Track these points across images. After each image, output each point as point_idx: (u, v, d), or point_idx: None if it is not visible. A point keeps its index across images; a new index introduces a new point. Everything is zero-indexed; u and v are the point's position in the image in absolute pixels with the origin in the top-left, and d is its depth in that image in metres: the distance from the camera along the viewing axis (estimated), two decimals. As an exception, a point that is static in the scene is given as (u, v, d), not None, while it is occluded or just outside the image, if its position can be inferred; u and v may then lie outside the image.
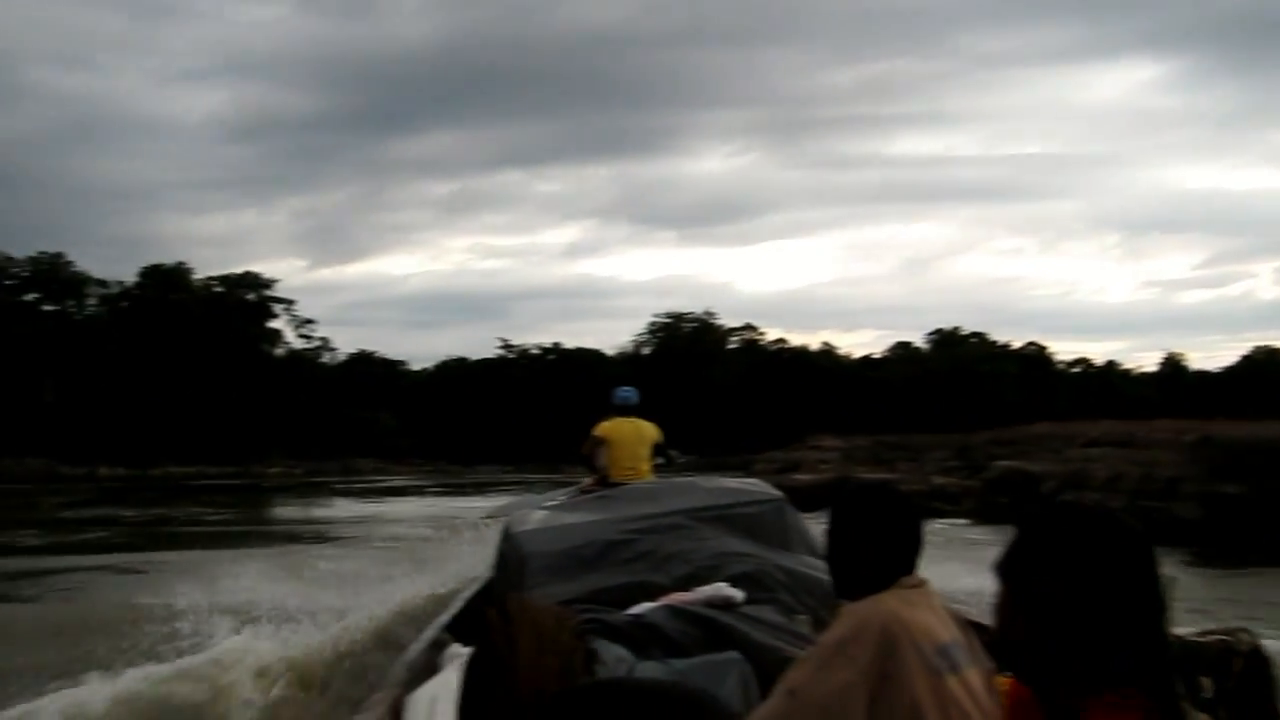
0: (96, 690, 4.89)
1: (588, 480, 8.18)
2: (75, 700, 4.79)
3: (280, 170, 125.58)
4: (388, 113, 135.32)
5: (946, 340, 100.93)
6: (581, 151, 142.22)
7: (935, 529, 14.87)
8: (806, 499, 6.14)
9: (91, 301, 69.91)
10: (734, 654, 3.19)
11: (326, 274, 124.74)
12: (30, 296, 69.23)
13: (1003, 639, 1.48)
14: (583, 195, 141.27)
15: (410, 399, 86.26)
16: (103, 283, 69.61)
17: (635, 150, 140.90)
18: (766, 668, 3.05)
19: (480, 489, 32.14)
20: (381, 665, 4.68)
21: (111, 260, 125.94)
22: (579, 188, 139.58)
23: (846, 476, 21.72)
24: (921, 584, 2.07)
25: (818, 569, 3.90)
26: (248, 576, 8.00)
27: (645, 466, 7.91)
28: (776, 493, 5.00)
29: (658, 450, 8.14)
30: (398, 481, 41.32)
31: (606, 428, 8.06)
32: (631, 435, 7.97)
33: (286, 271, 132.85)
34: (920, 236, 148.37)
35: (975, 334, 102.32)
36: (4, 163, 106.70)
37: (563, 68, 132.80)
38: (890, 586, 2.03)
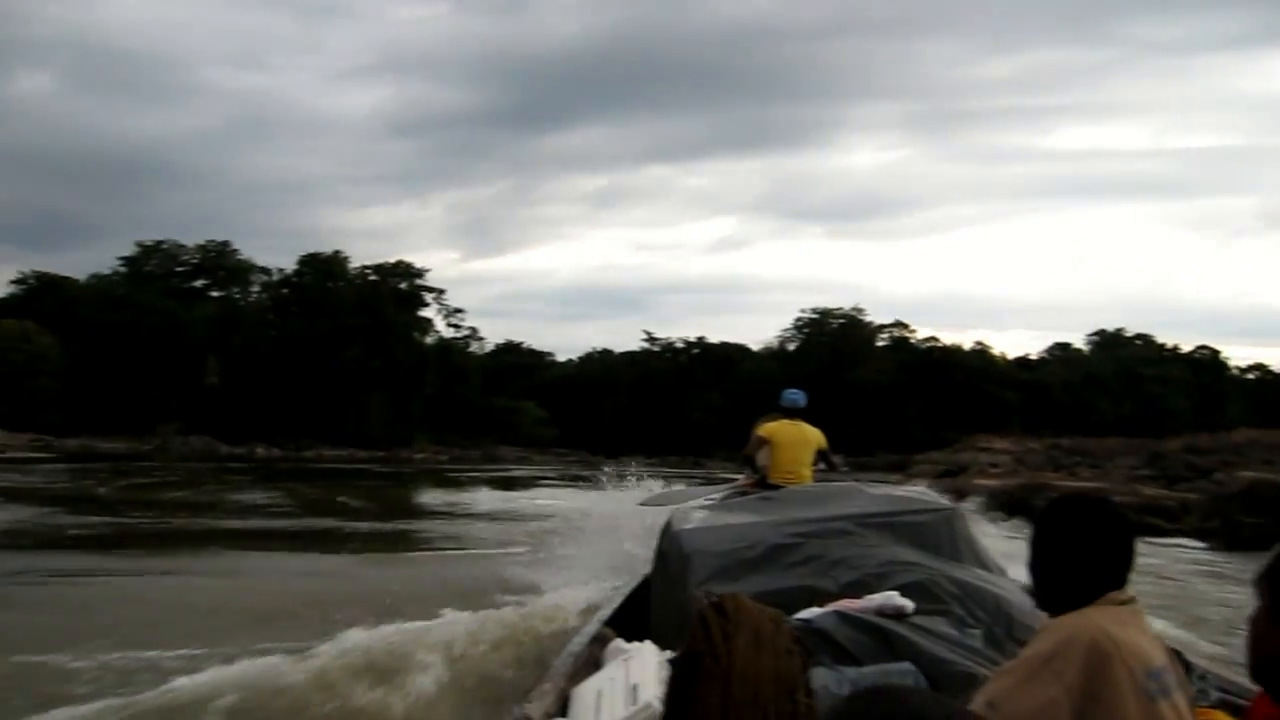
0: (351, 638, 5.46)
1: (744, 479, 8.14)
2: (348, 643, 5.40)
3: (437, 165, 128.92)
4: (540, 108, 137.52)
5: (1109, 342, 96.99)
6: (730, 146, 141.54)
7: (1167, 554, 13.83)
8: (998, 503, 5.55)
9: (254, 288, 72.68)
10: (908, 665, 3.11)
11: (478, 266, 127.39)
12: (199, 283, 72.48)
13: (1265, 656, 1.42)
14: (730, 190, 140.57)
15: (554, 390, 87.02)
16: (265, 270, 72.39)
17: (784, 144, 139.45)
18: (939, 681, 3.02)
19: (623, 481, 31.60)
20: (543, 655, 4.73)
21: (275, 251, 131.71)
22: (726, 182, 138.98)
23: (1042, 483, 20.03)
24: (1131, 600, 1.99)
25: (990, 582, 3.92)
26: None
27: (807, 471, 7.74)
28: (946, 502, 4.91)
29: (820, 456, 7.98)
30: (547, 471, 41.23)
31: (771, 428, 7.90)
32: (795, 438, 7.82)
33: (440, 263, 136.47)
34: (1079, 233, 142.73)
35: (1140, 335, 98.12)
36: (180, 158, 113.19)
37: (713, 61, 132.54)
38: (1097, 601, 1.95)
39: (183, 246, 72.39)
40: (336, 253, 71.66)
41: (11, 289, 67.41)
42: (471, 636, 5.65)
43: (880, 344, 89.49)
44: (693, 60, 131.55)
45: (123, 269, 70.93)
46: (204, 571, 11.15)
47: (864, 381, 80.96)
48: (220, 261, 72.14)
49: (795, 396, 8.09)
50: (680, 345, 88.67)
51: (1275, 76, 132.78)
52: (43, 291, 65.49)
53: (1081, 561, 2.02)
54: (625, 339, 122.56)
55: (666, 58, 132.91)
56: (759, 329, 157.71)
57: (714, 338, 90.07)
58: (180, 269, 72.69)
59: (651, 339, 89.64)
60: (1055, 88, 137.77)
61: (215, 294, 71.55)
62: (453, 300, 76.19)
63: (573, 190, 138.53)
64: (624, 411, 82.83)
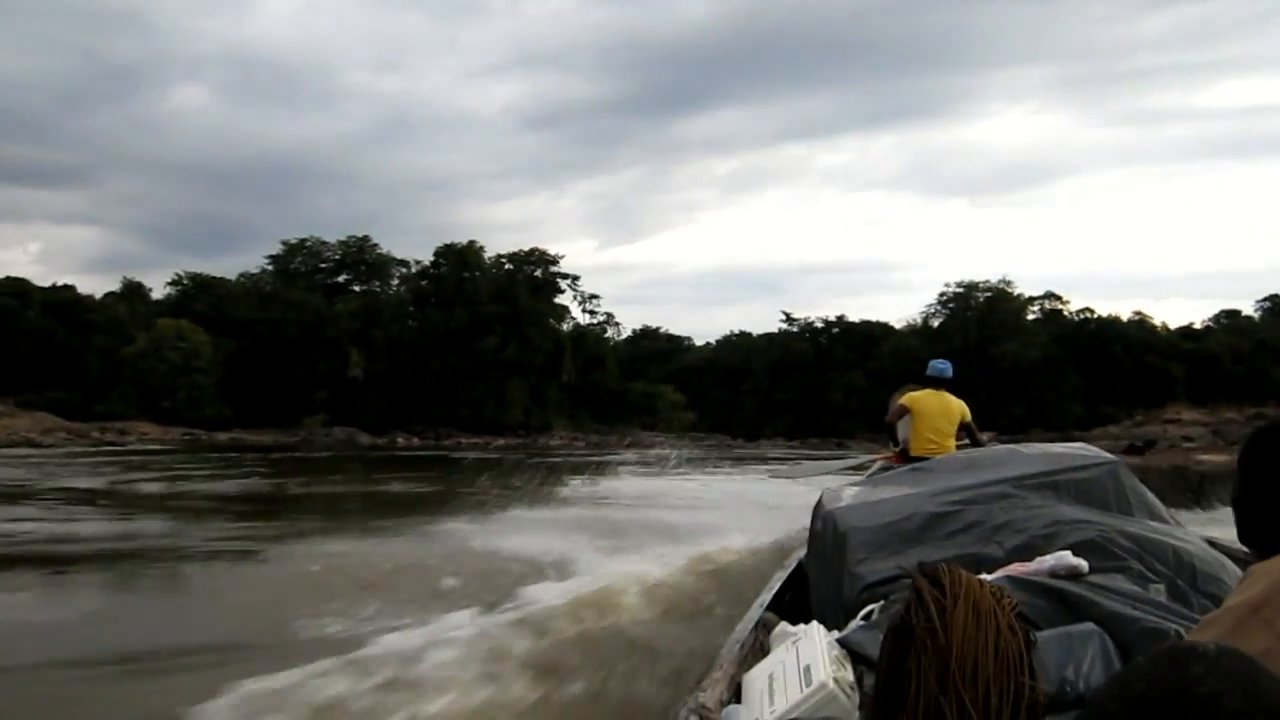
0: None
1: (887, 454, 7.95)
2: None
3: (572, 155, 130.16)
4: (672, 93, 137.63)
5: None
6: (867, 120, 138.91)
7: None
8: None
9: (395, 281, 73.94)
10: (1090, 625, 2.90)
11: (615, 254, 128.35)
12: (342, 278, 74.23)
13: None
14: (868, 166, 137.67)
15: (692, 374, 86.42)
16: (404, 263, 73.51)
17: (924, 116, 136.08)
18: (1127, 640, 2.86)
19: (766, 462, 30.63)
20: (707, 641, 4.71)
21: (420, 248, 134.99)
22: (864, 158, 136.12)
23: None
24: None
25: (1166, 534, 3.72)
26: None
27: (950, 443, 7.50)
28: (1109, 455, 4.62)
29: (964, 429, 7.75)
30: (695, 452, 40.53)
31: (913, 397, 7.69)
32: (938, 408, 7.59)
33: (578, 252, 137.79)
34: (1242, 195, 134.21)
35: None
36: (328, 161, 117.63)
37: (847, 34, 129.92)
38: None
39: (325, 243, 74.34)
40: (471, 243, 72.26)
41: (169, 290, 70.43)
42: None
43: (1031, 317, 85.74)
44: (826, 34, 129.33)
45: (270, 267, 73.28)
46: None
47: (1014, 357, 77.66)
48: (361, 256, 73.71)
49: (943, 366, 7.83)
50: (819, 325, 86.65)
51: None
52: (197, 292, 68.08)
53: None
54: (763, 321, 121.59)
55: (798, 33, 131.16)
56: (901, 308, 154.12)
57: (854, 317, 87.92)
58: (324, 265, 74.67)
59: (789, 319, 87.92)
60: (1212, 42, 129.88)
61: (357, 288, 73.16)
62: (590, 289, 76.29)
63: (707, 173, 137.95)
64: (763, 394, 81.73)
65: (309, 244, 74.22)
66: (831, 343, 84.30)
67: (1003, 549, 3.78)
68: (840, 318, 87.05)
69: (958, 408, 7.69)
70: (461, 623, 5.45)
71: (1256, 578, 1.78)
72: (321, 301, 67.48)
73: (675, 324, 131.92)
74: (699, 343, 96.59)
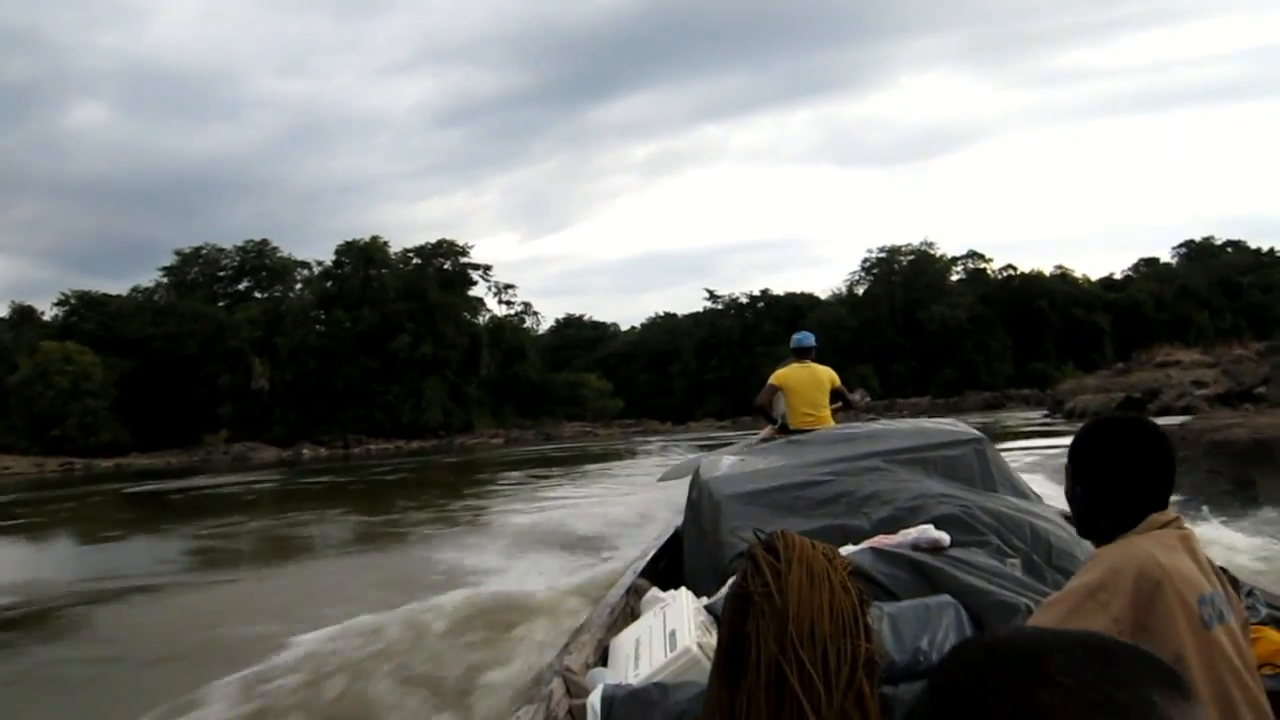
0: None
1: (766, 430, 7.90)
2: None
3: (487, 150, 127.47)
4: (585, 81, 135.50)
5: (1198, 252, 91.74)
6: (780, 98, 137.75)
7: None
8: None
9: (298, 285, 70.23)
10: (947, 597, 3.03)
11: (538, 246, 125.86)
12: (243, 286, 70.46)
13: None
14: (784, 142, 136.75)
15: (619, 360, 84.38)
16: (305, 264, 69.84)
17: (836, 89, 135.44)
18: (982, 611, 3.00)
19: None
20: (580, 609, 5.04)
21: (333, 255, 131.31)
22: (780, 135, 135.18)
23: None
24: (1175, 520, 1.94)
25: (1025, 510, 3.83)
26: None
27: (826, 413, 7.59)
28: (976, 432, 4.72)
29: (836, 396, 7.76)
30: (595, 446, 37.79)
31: (782, 374, 7.75)
32: (808, 381, 7.66)
33: (501, 247, 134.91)
34: (1152, 147, 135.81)
35: (1231, 243, 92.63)
36: (238, 172, 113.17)
37: (756, 11, 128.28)
38: (1140, 525, 1.93)
39: (223, 250, 70.38)
40: (375, 238, 68.84)
41: (55, 312, 66.06)
42: None
43: (955, 278, 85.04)
44: (735, 12, 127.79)
45: (165, 280, 69.18)
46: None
47: (942, 319, 76.79)
48: (261, 262, 69.82)
49: (803, 338, 7.98)
50: (744, 300, 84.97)
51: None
52: (85, 311, 64.02)
53: (1121, 484, 1.97)
54: (691, 304, 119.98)
55: (707, 13, 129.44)
56: (827, 279, 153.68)
57: (779, 291, 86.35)
58: (222, 273, 70.78)
59: (713, 297, 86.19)
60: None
61: (260, 295, 69.34)
62: (516, 283, 73.60)
63: (625, 159, 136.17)
64: (692, 375, 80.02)
65: (205, 252, 70.20)
66: (758, 317, 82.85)
67: (869, 521, 3.87)
68: (765, 292, 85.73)
69: (826, 376, 7.71)
70: None
71: (1096, 563, 1.91)
72: (220, 312, 63.81)
73: (602, 312, 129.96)
74: (625, 328, 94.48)
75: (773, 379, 7.78)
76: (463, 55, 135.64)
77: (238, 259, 70.21)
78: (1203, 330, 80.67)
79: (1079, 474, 2.03)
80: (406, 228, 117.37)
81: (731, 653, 1.36)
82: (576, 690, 2.91)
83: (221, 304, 66.98)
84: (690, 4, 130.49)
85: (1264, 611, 3.02)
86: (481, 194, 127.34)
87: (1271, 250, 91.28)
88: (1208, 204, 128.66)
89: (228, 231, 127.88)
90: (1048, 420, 28.71)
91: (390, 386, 62.39)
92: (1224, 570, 2.04)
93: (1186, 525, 1.96)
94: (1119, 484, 1.97)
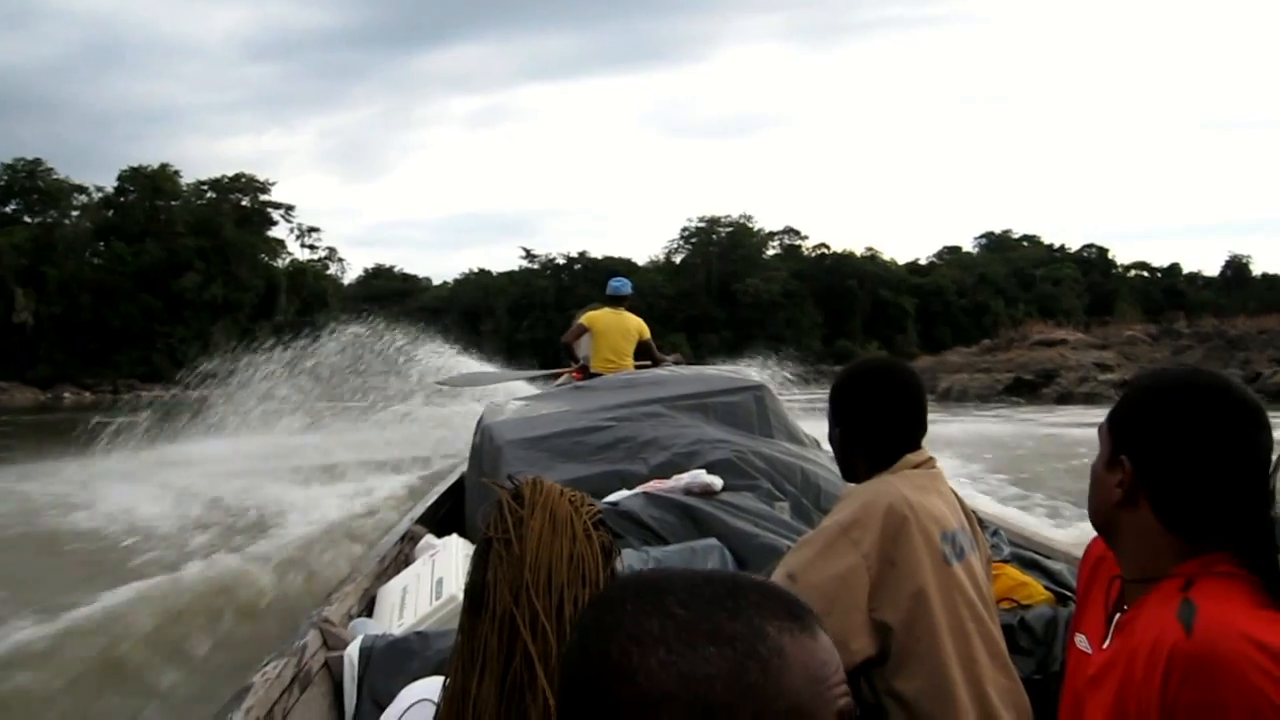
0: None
1: (569, 370, 7.85)
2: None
3: (303, 89, 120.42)
4: (411, 26, 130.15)
5: (997, 244, 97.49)
6: (609, 62, 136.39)
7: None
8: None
9: (75, 213, 63.81)
10: (713, 540, 3.14)
11: (350, 194, 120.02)
12: (10, 209, 63.45)
13: (1096, 502, 1.45)
14: (610, 107, 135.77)
15: (428, 314, 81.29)
16: (83, 189, 63.42)
17: (663, 59, 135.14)
18: (746, 554, 3.12)
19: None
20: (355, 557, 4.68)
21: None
22: (606, 99, 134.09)
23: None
24: (928, 461, 2.03)
25: (798, 456, 4.05)
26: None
27: (628, 361, 7.56)
28: (756, 379, 4.97)
29: (642, 348, 7.74)
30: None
31: (592, 316, 7.84)
32: (616, 326, 7.67)
33: (313, 191, 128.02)
34: (963, 138, 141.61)
35: (1027, 237, 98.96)
36: (29, 88, 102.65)
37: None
38: (895, 465, 1.99)
39: (-14, 167, 63.08)
40: (164, 166, 62.77)
41: None
42: None
43: (771, 253, 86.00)
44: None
45: (-86, 195, 61.59)
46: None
47: (756, 292, 77.46)
48: (33, 183, 62.90)
49: (619, 284, 8.03)
50: (561, 261, 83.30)
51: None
52: None
53: (875, 425, 2.02)
54: (507, 264, 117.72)
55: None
56: (647, 247, 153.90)
57: (597, 254, 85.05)
58: (-14, 193, 63.56)
59: (529, 256, 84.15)
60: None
61: (29, 220, 62.58)
62: (328, 230, 69.00)
63: (448, 112, 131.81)
64: (504, 334, 77.79)
65: (-34, 168, 62.85)
66: (574, 279, 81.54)
67: (647, 466, 3.95)
68: (583, 254, 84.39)
69: (635, 325, 7.72)
70: None
71: (849, 500, 1.98)
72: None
73: (415, 266, 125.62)
74: (437, 283, 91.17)
75: (582, 319, 7.87)
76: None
77: (5, 178, 63.10)
78: (998, 317, 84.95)
79: (837, 416, 2.08)
80: (211, 164, 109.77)
81: (472, 600, 1.35)
82: (334, 642, 2.77)
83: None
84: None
85: (1007, 550, 3.12)
86: (295, 134, 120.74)
87: (1063, 247, 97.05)
88: (1006, 198, 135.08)
89: (6, 153, 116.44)
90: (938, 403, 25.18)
91: (174, 328, 57.47)
92: (973, 512, 2.11)
93: (938, 465, 2.04)
94: (873, 425, 2.02)
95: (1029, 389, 21.36)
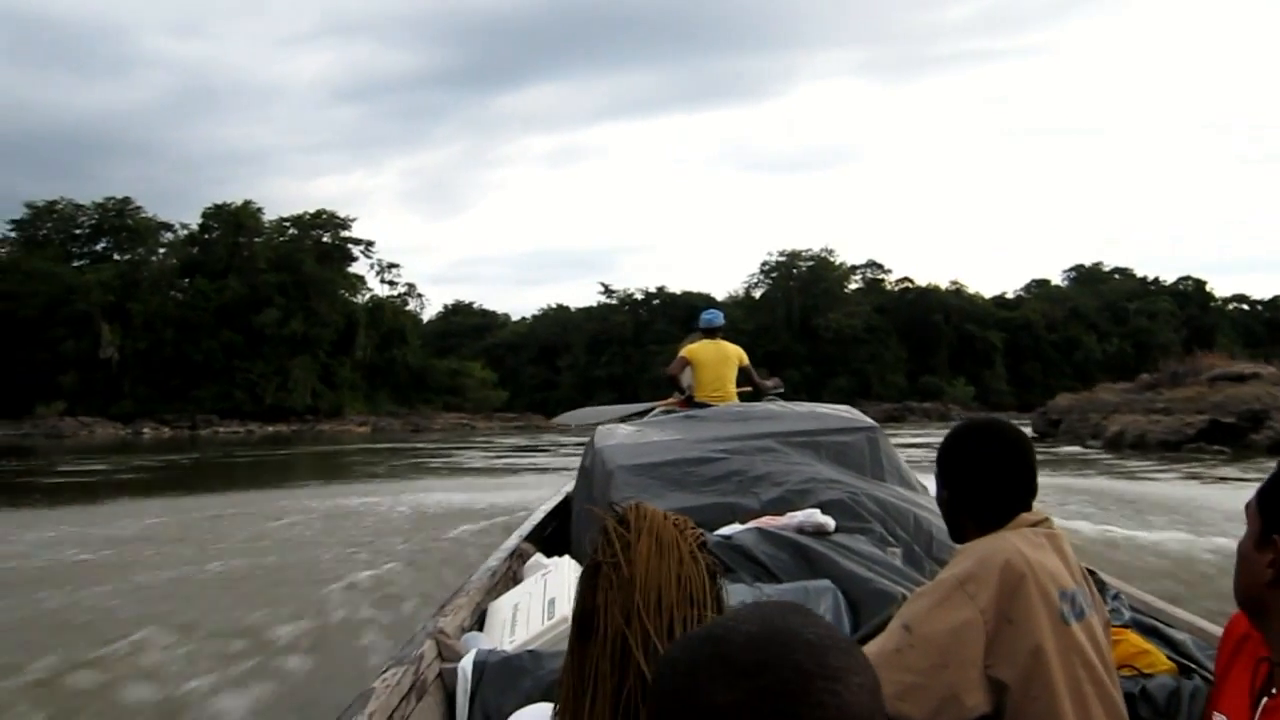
0: None
1: (672, 399, 7.86)
2: None
3: (388, 130, 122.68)
4: (491, 68, 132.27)
5: (1088, 277, 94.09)
6: (686, 99, 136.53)
7: None
8: None
9: (162, 250, 64.89)
10: (826, 582, 3.08)
11: (432, 232, 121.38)
12: (101, 246, 64.83)
13: (1245, 581, 1.43)
14: (687, 144, 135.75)
15: (507, 350, 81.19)
16: (170, 227, 64.49)
17: (740, 95, 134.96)
18: (859, 598, 3.02)
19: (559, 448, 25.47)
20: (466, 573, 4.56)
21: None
22: (683, 136, 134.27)
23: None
24: (1044, 520, 1.97)
25: (910, 501, 3.92)
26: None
27: (731, 389, 7.63)
28: (869, 420, 4.79)
29: (742, 374, 7.80)
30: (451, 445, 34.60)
31: (693, 349, 7.84)
32: (716, 356, 7.74)
33: (395, 229, 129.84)
34: (1044, 171, 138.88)
35: (1119, 269, 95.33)
36: (126, 132, 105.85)
37: (667, 13, 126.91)
38: (1009, 524, 1.94)
39: (80, 206, 64.39)
40: (247, 203, 63.64)
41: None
42: None
43: (853, 287, 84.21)
44: (646, 12, 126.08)
45: (12, 234, 63.04)
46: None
47: (838, 327, 75.74)
48: (121, 221, 64.15)
49: (711, 316, 8.04)
50: (639, 297, 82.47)
51: None
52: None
53: (984, 488, 1.98)
54: (585, 300, 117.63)
55: (619, 11, 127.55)
56: (726, 282, 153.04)
57: (675, 289, 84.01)
58: (78, 231, 64.91)
59: (608, 291, 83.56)
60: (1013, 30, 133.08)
61: (118, 258, 63.74)
62: (409, 266, 69.22)
63: (527, 151, 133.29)
64: (581, 370, 77.14)
65: (60, 207, 64.07)
66: (652, 315, 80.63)
67: (759, 500, 3.88)
68: (661, 289, 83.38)
69: (734, 353, 7.80)
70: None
71: (966, 554, 1.93)
72: (70, 272, 58.27)
73: (494, 302, 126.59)
74: (515, 319, 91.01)
75: (683, 352, 7.89)
76: (367, 31, 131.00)
77: (96, 216, 64.49)
78: (1090, 353, 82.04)
79: (945, 478, 2.05)
80: (297, 206, 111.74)
81: (582, 625, 1.36)
82: (449, 654, 2.81)
83: (77, 265, 61.34)
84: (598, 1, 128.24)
85: (1127, 615, 3.00)
86: (378, 174, 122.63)
87: (1157, 279, 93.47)
88: (1096, 229, 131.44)
89: (100, 194, 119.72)
90: (1093, 453, 20.43)
91: (254, 364, 57.87)
92: (1091, 572, 2.12)
93: (1056, 527, 1.98)
94: (982, 487, 1.98)
95: (1231, 434, 18.06)
